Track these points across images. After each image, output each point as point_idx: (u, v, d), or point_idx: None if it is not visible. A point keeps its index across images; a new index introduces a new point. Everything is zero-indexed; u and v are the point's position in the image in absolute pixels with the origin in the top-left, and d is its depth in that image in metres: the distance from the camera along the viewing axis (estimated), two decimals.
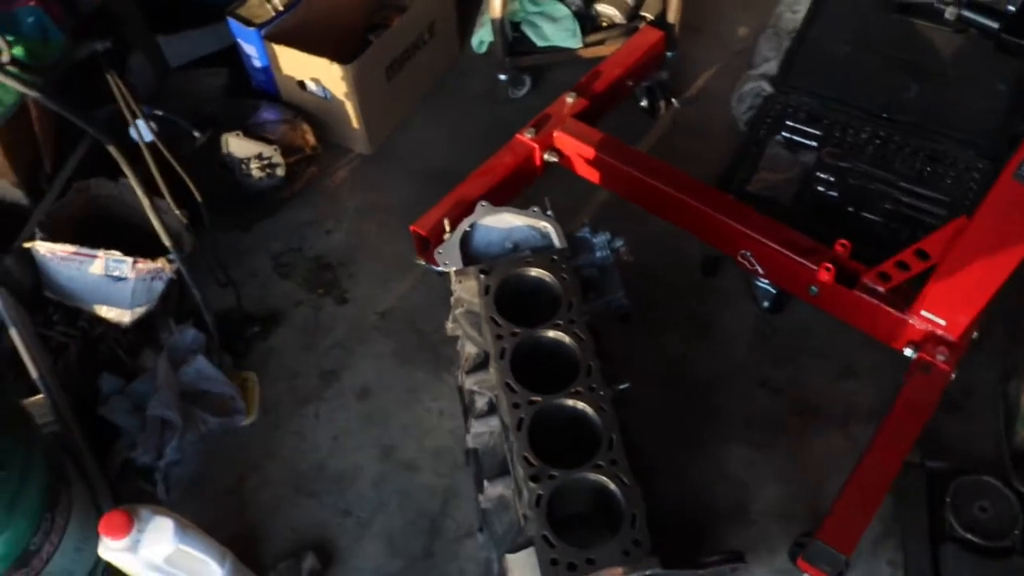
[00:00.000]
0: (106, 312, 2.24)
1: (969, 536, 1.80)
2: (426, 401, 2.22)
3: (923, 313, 1.90)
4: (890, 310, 1.94)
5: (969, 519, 1.81)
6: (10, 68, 1.54)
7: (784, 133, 2.54)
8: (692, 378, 2.22)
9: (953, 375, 1.87)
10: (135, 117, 1.98)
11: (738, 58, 2.91)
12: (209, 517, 2.01)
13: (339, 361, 2.30)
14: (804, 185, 2.41)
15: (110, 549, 1.60)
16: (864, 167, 2.42)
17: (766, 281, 2.21)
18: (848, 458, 1.85)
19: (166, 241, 1.97)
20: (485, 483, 1.74)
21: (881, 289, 1.95)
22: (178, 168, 2.05)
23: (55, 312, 2.27)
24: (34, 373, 2.01)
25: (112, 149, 1.75)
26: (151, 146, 2.12)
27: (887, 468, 1.75)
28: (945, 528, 1.83)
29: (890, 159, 2.44)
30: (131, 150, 2.02)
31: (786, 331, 2.29)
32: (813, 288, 2.04)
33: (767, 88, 2.68)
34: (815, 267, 2.00)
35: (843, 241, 2.00)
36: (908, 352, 1.93)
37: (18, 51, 1.57)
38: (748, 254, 2.13)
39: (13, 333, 2.02)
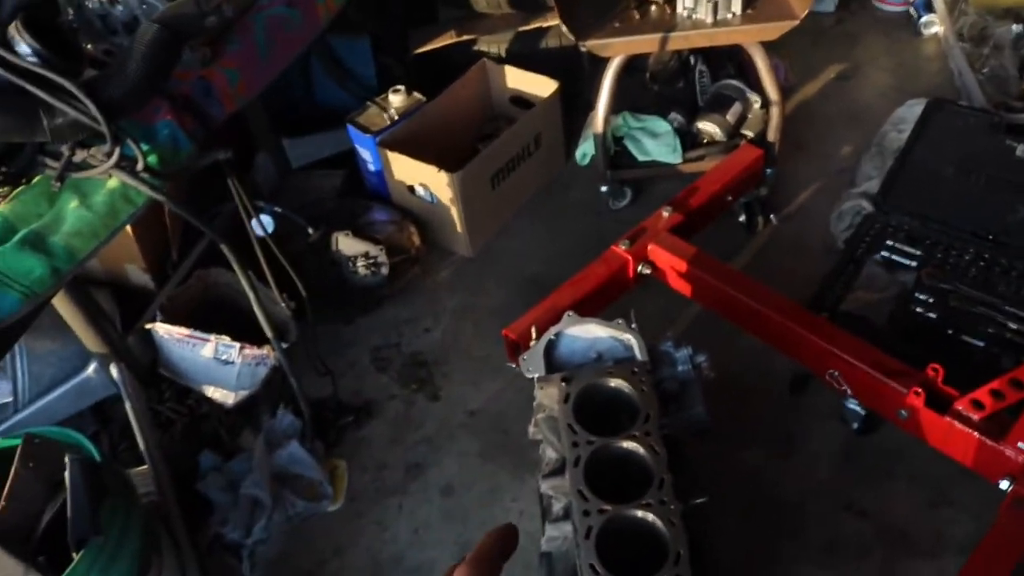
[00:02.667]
0: (212, 392, 2.38)
1: None
2: (506, 501, 2.25)
3: (1020, 444, 1.83)
4: (984, 439, 1.87)
5: None
6: (143, 175, 1.70)
7: (883, 253, 2.52)
8: (773, 497, 2.18)
9: None
10: (249, 216, 2.13)
11: (840, 177, 2.92)
12: None
13: (426, 456, 2.37)
14: (901, 306, 2.38)
15: None
16: (966, 289, 2.37)
17: (855, 402, 2.17)
18: None
19: (267, 329, 2.09)
20: None
21: (974, 417, 1.89)
22: (284, 262, 2.19)
23: (167, 389, 2.42)
24: (142, 445, 2.14)
25: (224, 247, 1.89)
26: (263, 241, 2.27)
27: None
28: None
29: (994, 282, 2.38)
30: (248, 244, 2.19)
31: (876, 454, 2.23)
32: (903, 412, 2.00)
33: (867, 207, 2.68)
34: (904, 390, 1.96)
35: (935, 365, 1.96)
36: (1003, 485, 1.86)
37: (152, 159, 1.73)
38: (836, 373, 2.11)
39: (128, 407, 2.17)
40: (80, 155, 1.66)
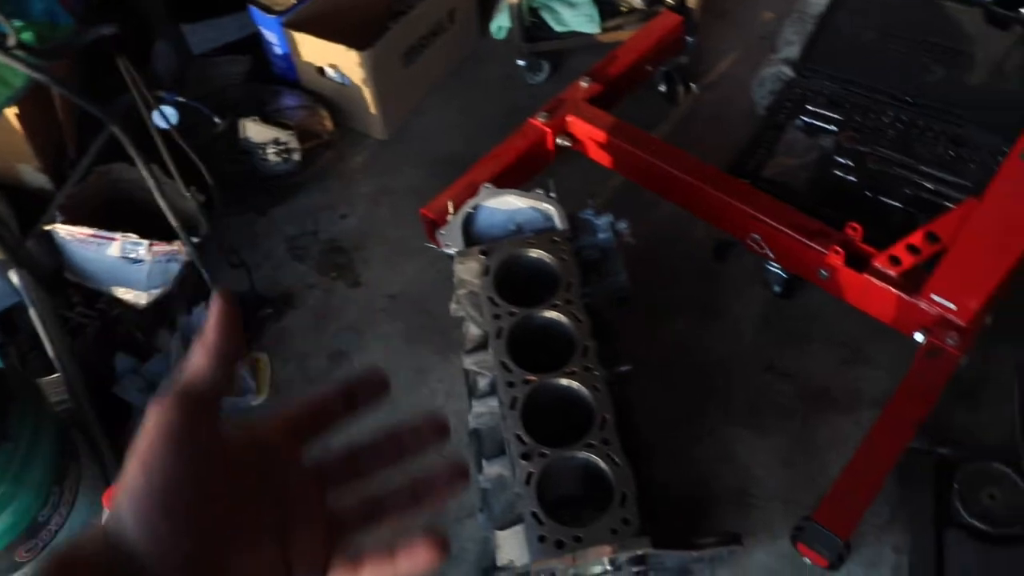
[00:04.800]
0: (123, 294, 2.29)
1: (976, 523, 1.75)
2: (432, 383, 2.22)
3: (933, 297, 1.85)
4: (900, 294, 1.90)
5: (977, 506, 1.77)
6: (16, 52, 1.58)
7: (803, 118, 2.50)
8: (698, 361, 2.19)
9: (963, 360, 1.83)
10: (147, 103, 2.01)
11: (761, 43, 2.87)
12: None
13: (349, 343, 2.32)
14: (821, 170, 2.38)
15: None
16: (884, 151, 2.37)
17: (776, 265, 2.18)
18: (854, 443, 1.82)
19: (173, 223, 2.00)
20: (484, 463, 1.74)
21: (892, 273, 1.91)
22: (189, 152, 2.09)
23: (75, 294, 2.32)
24: (51, 352, 2.06)
25: (117, 132, 1.78)
26: (166, 133, 2.16)
27: (887, 452, 1.72)
28: (951, 514, 1.78)
29: (912, 144, 2.39)
30: (150, 136, 2.08)
31: (795, 316, 2.25)
32: (823, 272, 2.01)
33: (788, 73, 2.64)
34: (824, 250, 1.97)
35: (854, 224, 1.96)
36: (918, 337, 1.89)
37: (26, 36, 1.61)
38: (758, 237, 2.10)
39: (32, 313, 2.07)
40: None
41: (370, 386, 0.64)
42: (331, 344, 2.32)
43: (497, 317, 1.70)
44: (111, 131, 2.44)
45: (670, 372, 2.16)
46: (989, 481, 1.80)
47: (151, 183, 2.00)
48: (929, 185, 2.29)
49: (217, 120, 2.56)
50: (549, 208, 1.87)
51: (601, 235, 1.89)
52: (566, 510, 1.53)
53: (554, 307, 1.70)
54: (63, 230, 2.21)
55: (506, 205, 1.91)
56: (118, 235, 2.20)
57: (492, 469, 1.73)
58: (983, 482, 1.80)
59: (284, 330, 2.36)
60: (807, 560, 1.73)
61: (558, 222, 1.84)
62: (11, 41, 1.55)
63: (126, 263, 2.24)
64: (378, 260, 2.49)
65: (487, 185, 1.91)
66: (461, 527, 1.99)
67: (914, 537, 1.81)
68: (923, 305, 1.87)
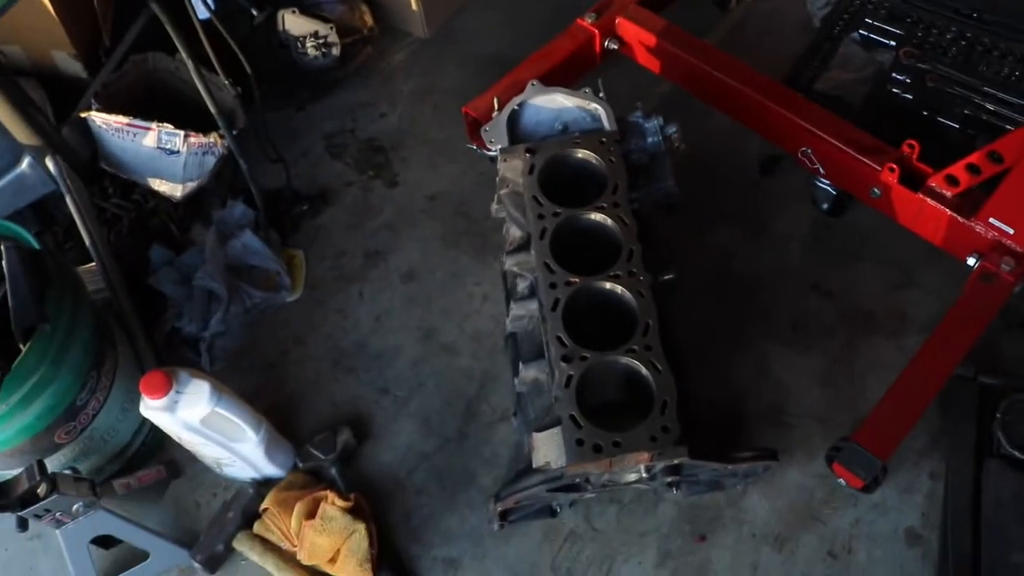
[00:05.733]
0: (159, 185, 2.26)
1: (1016, 453, 1.72)
2: (469, 285, 2.20)
3: (991, 220, 1.79)
4: (955, 216, 1.84)
5: (1019, 437, 1.73)
6: None
7: (861, 31, 2.40)
8: (741, 276, 2.15)
9: (1017, 287, 1.77)
10: (163, 6, 1.95)
11: None
12: (250, 388, 2.06)
13: (386, 243, 2.30)
14: (878, 86, 2.29)
15: (149, 408, 1.63)
16: (945, 69, 2.27)
17: (826, 181, 2.11)
18: (897, 368, 1.78)
19: (213, 110, 1.96)
20: (520, 366, 1.72)
21: (948, 193, 1.85)
22: (232, 43, 2.03)
23: (111, 185, 2.30)
24: (87, 240, 2.04)
25: (160, 13, 1.73)
26: (207, 23, 2.09)
27: (933, 376, 1.68)
28: (992, 444, 1.75)
29: (975, 62, 2.29)
30: (190, 26, 2.02)
31: (844, 235, 2.19)
32: (875, 190, 1.94)
33: None
34: (878, 167, 1.91)
35: (911, 141, 1.89)
36: (971, 261, 1.83)
37: None
38: (808, 151, 2.04)
39: (69, 201, 2.06)
40: None
41: None
42: (367, 243, 2.30)
43: (541, 217, 1.66)
44: (149, 17, 2.41)
45: (713, 284, 2.13)
46: None
47: (192, 70, 1.95)
48: (990, 106, 2.20)
49: (255, 11, 2.48)
50: (598, 108, 1.81)
51: (650, 139, 1.83)
52: (604, 416, 1.51)
53: (600, 209, 1.66)
54: (99, 118, 2.18)
55: (553, 103, 1.85)
56: (154, 125, 2.17)
57: (528, 373, 1.72)
58: None
59: (320, 227, 2.33)
60: (842, 481, 1.71)
61: (606, 123, 1.78)
62: None
63: (162, 154, 2.20)
64: (417, 160, 2.44)
65: (534, 82, 1.85)
66: (493, 431, 1.99)
67: (952, 465, 1.78)
68: (979, 228, 1.81)
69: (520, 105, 1.83)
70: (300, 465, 1.95)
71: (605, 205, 1.65)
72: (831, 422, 1.92)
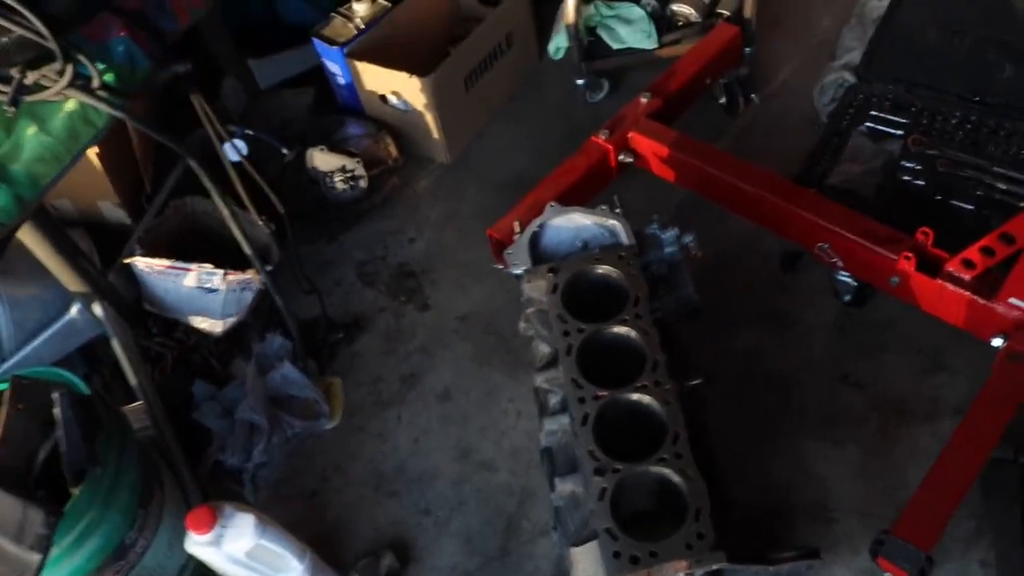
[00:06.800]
0: (200, 323, 2.35)
1: None
2: (503, 403, 2.24)
3: (1011, 300, 1.81)
4: (975, 298, 1.85)
5: None
6: (100, 92, 1.65)
7: (868, 123, 2.46)
8: (770, 374, 2.17)
9: None
10: (220, 137, 2.08)
11: (821, 50, 2.84)
12: (293, 517, 2.09)
13: (420, 365, 2.35)
14: (889, 175, 2.34)
15: (196, 543, 1.68)
16: (954, 153, 2.32)
17: (846, 274, 2.15)
18: (933, 454, 1.77)
19: (247, 250, 2.06)
20: (556, 481, 1.74)
21: (966, 277, 1.87)
22: (260, 182, 2.14)
23: (154, 324, 2.39)
24: (132, 380, 2.12)
25: (193, 164, 1.84)
26: (238, 165, 2.22)
27: (969, 461, 1.67)
28: None
29: (982, 144, 2.33)
30: (223, 169, 2.15)
31: (869, 325, 2.21)
32: (894, 279, 1.97)
33: (850, 78, 2.61)
34: (895, 256, 1.94)
35: (925, 229, 1.93)
36: (996, 342, 1.84)
37: (108, 78, 1.68)
38: (825, 246, 2.08)
39: (115, 344, 2.15)
40: (32, 77, 1.60)
41: None
42: (402, 367, 2.36)
43: (566, 334, 1.71)
44: (186, 165, 2.53)
45: (742, 385, 2.14)
46: None
47: (225, 212, 2.06)
48: (1002, 185, 2.24)
49: (285, 151, 2.62)
50: (615, 224, 1.87)
51: (668, 249, 1.89)
52: (640, 526, 1.52)
53: (623, 322, 1.70)
54: (142, 263, 2.29)
55: (572, 223, 1.92)
56: (194, 266, 2.27)
57: (565, 487, 1.73)
58: None
59: (356, 354, 2.40)
60: (888, 575, 1.69)
61: (624, 238, 1.85)
62: (95, 83, 1.63)
63: (202, 293, 2.30)
64: (447, 282, 2.52)
65: (552, 204, 1.92)
66: (535, 545, 1.99)
67: (1000, 553, 1.76)
68: (1000, 309, 1.83)
69: (540, 227, 1.90)
70: None
71: (628, 318, 1.70)
72: (873, 515, 1.90)
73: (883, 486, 1.95)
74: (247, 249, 2.08)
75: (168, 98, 2.52)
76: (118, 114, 1.69)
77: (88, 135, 1.74)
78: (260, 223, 2.28)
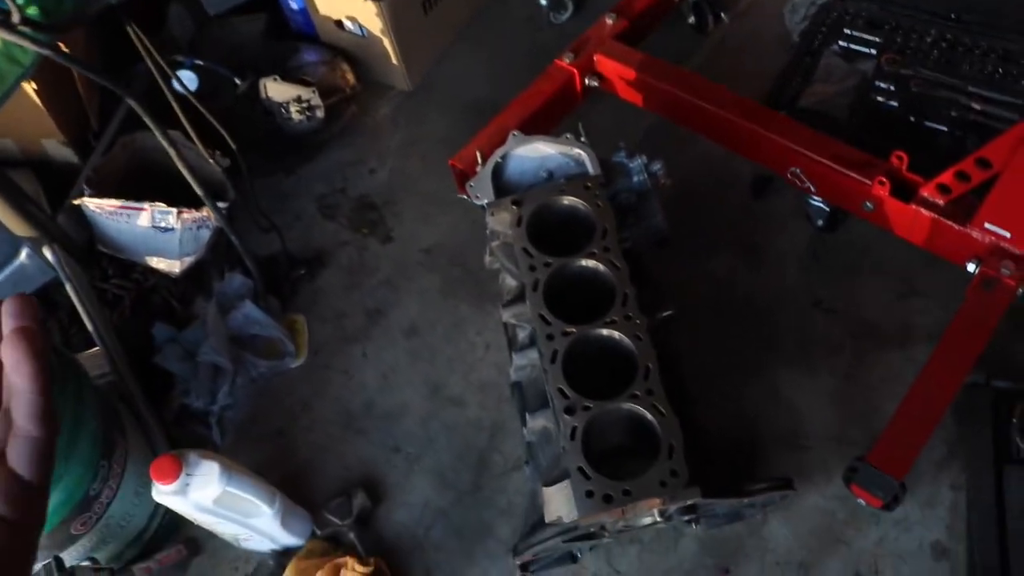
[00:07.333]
0: (157, 263, 2.28)
1: None
2: (471, 335, 2.20)
3: (986, 225, 1.78)
4: (950, 223, 1.82)
5: None
6: (22, 28, 1.54)
7: (840, 42, 2.40)
8: (743, 301, 2.14)
9: (1020, 290, 1.75)
10: (163, 72, 1.97)
11: None
12: (262, 457, 2.07)
13: (385, 299, 2.30)
14: (862, 96, 2.29)
15: (162, 493, 1.64)
16: (928, 73, 2.27)
17: (819, 199, 2.10)
18: (907, 380, 1.76)
19: (196, 188, 1.97)
20: (528, 416, 1.72)
21: (940, 202, 1.83)
22: (209, 117, 2.05)
23: (110, 265, 2.31)
24: (90, 326, 2.05)
25: (133, 103, 1.75)
26: (186, 98, 2.11)
27: (943, 389, 1.66)
28: (1011, 449, 1.73)
29: (957, 63, 2.29)
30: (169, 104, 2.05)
31: (842, 250, 2.18)
32: (868, 204, 1.93)
33: None
34: (868, 181, 1.90)
35: (899, 152, 1.88)
36: (971, 267, 1.81)
37: (32, 11, 1.56)
38: (798, 171, 2.03)
39: (69, 288, 2.07)
40: None
41: None
42: (367, 301, 2.30)
43: (533, 269, 1.66)
44: (142, 88, 2.44)
45: (714, 313, 2.12)
46: None
47: (172, 153, 1.96)
48: (976, 106, 2.20)
49: (237, 81, 2.52)
50: (580, 153, 1.81)
51: (635, 178, 1.84)
52: (613, 460, 1.51)
53: (591, 255, 1.66)
54: (92, 203, 2.20)
55: (536, 152, 1.85)
56: (147, 205, 2.19)
57: (536, 422, 1.71)
58: None
59: (319, 290, 2.34)
60: (861, 501, 1.69)
61: (590, 167, 1.79)
62: (15, 17, 1.51)
63: (157, 232, 2.23)
64: (410, 214, 2.45)
65: (515, 133, 1.85)
66: (507, 480, 1.98)
67: (972, 475, 1.77)
68: (975, 234, 1.80)
69: (503, 157, 1.84)
70: (318, 532, 1.95)
71: (596, 251, 1.65)
72: (847, 441, 1.90)
73: (856, 412, 1.94)
74: (197, 188, 1.99)
75: (111, 27, 2.39)
76: (44, 51, 1.58)
77: (13, 74, 1.64)
78: (211, 159, 2.19)
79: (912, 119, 2.22)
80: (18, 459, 0.60)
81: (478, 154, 1.89)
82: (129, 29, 1.84)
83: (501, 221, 1.76)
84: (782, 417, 1.96)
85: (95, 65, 1.76)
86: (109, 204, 2.19)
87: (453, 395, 2.11)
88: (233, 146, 2.10)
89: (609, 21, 2.31)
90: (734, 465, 1.90)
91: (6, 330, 0.61)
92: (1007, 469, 1.71)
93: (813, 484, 1.86)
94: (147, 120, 1.79)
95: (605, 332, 1.59)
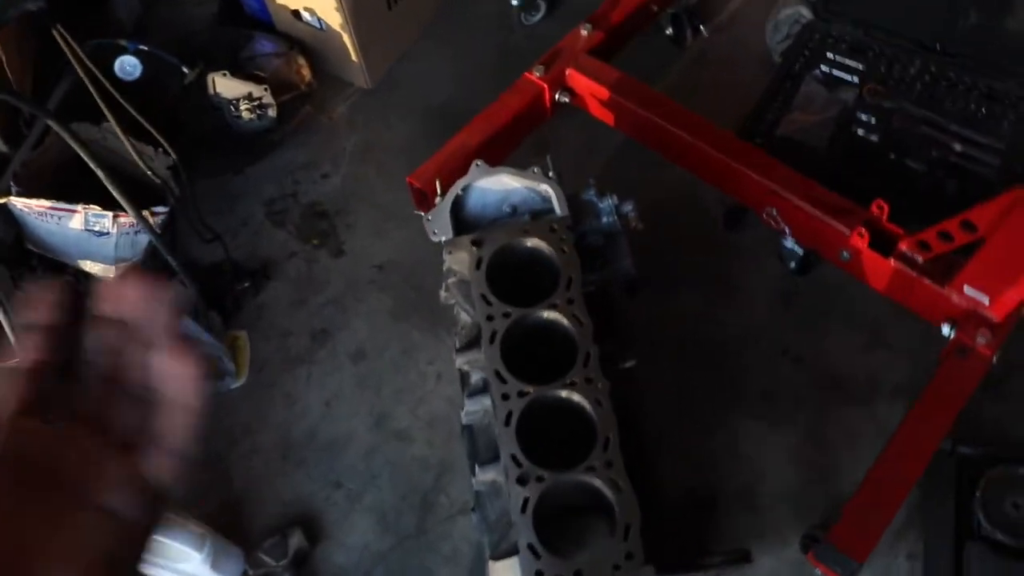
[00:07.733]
0: (90, 267, 2.14)
1: (998, 535, 1.63)
2: (422, 364, 2.08)
3: (965, 289, 1.70)
4: (928, 283, 1.75)
5: (999, 516, 1.64)
6: None
7: (822, 67, 2.30)
8: (708, 344, 2.05)
9: (994, 360, 1.69)
10: (93, 77, 1.81)
11: None
12: (199, 483, 1.94)
13: (333, 320, 2.17)
14: (841, 128, 2.20)
15: None
16: (910, 108, 2.19)
17: (792, 241, 2.02)
18: (869, 439, 1.70)
19: (116, 195, 1.81)
20: (477, 468, 1.62)
21: (919, 259, 1.76)
22: (139, 118, 1.89)
23: (39, 265, 2.16)
24: (8, 330, 1.91)
25: (54, 125, 1.60)
26: (130, 89, 1.96)
27: (909, 467, 1.58)
28: (972, 524, 1.67)
29: (940, 99, 2.20)
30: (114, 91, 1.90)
31: (813, 294, 2.10)
32: (845, 253, 1.85)
33: (806, 15, 2.43)
34: (848, 231, 1.81)
35: (880, 202, 1.79)
36: (945, 330, 1.74)
37: None
38: (774, 211, 1.94)
39: None
40: None
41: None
42: (313, 321, 2.17)
43: (491, 319, 1.55)
44: (70, 85, 2.27)
45: (679, 353, 2.03)
46: (1014, 488, 1.67)
47: (82, 152, 1.79)
48: (957, 147, 2.12)
49: (186, 70, 2.35)
50: (547, 190, 1.70)
51: (605, 219, 1.73)
52: (566, 519, 1.43)
53: (554, 307, 1.55)
54: (19, 203, 2.04)
55: (500, 185, 1.73)
56: (79, 207, 2.03)
57: (486, 475, 1.61)
58: (1008, 489, 1.67)
59: (264, 305, 2.20)
60: (818, 572, 1.63)
61: (557, 208, 1.67)
62: None
63: (91, 236, 2.08)
64: (363, 225, 2.31)
65: (478, 162, 1.73)
66: (453, 524, 1.89)
67: (929, 550, 1.71)
68: (954, 297, 1.72)
69: (464, 189, 1.72)
70: (251, 573, 1.84)
71: (558, 303, 1.55)
72: (804, 504, 1.83)
73: (815, 472, 1.87)
74: (116, 194, 1.83)
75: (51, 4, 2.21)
76: None
77: None
78: (141, 161, 2.03)
79: (892, 156, 2.14)
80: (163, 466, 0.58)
81: (437, 184, 1.77)
82: (55, 33, 1.67)
83: (459, 261, 1.65)
84: (740, 473, 1.88)
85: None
86: (38, 204, 2.04)
87: (399, 428, 2.00)
88: (171, 154, 1.95)
89: (584, 33, 2.19)
90: (690, 522, 1.83)
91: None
92: (968, 546, 1.64)
93: (767, 547, 1.79)
94: (72, 143, 1.63)
95: (564, 394, 1.49)
